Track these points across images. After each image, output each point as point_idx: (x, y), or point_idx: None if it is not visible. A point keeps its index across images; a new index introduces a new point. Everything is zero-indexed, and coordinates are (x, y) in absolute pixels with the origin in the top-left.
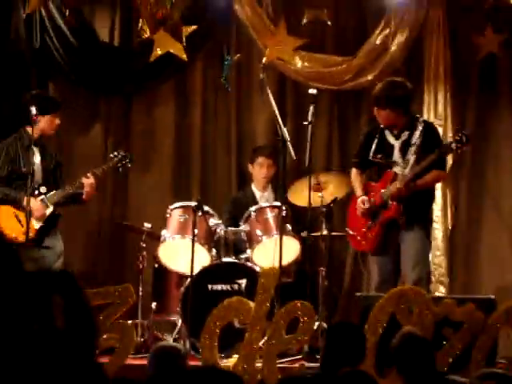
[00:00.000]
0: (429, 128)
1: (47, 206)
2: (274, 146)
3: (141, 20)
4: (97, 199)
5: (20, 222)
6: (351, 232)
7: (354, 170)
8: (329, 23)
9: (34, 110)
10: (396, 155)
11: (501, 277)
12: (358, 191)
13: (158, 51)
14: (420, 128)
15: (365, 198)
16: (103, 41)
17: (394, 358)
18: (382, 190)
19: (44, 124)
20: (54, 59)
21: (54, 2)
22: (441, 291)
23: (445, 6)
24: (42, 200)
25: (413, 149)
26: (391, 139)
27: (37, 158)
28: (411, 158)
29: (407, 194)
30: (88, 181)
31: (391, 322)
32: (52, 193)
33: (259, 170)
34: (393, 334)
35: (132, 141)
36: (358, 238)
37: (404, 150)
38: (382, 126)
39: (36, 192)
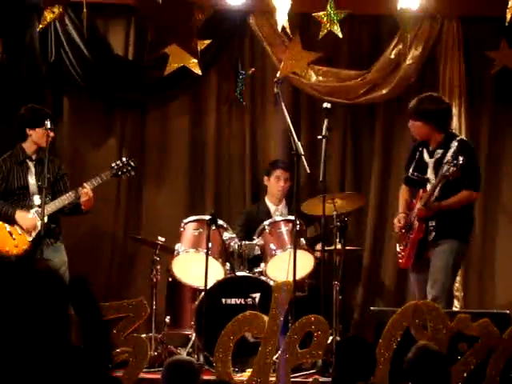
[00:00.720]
0: (463, 147)
1: (42, 219)
2: (289, 159)
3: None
4: (111, 213)
5: (11, 235)
6: (398, 251)
7: (402, 186)
8: (340, 36)
9: (48, 124)
10: (429, 173)
11: None
12: (400, 208)
13: (173, 65)
14: (454, 146)
15: (401, 215)
16: (118, 54)
17: (408, 372)
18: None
19: (35, 136)
20: (68, 73)
21: (70, 17)
22: (455, 306)
23: (459, 20)
24: (36, 212)
25: (445, 168)
26: (426, 157)
27: (31, 173)
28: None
29: (428, 214)
30: (83, 190)
31: (405, 337)
32: (47, 205)
33: (276, 182)
34: (407, 348)
35: (146, 154)
36: (399, 255)
37: (437, 169)
38: (418, 141)
39: (31, 202)
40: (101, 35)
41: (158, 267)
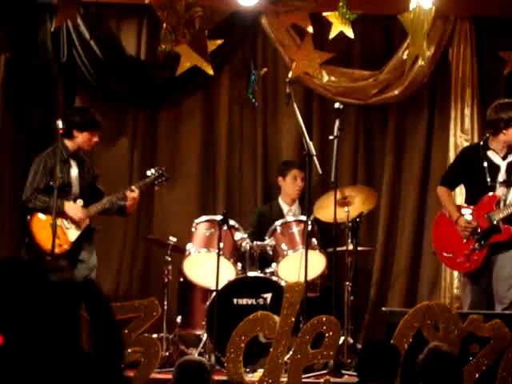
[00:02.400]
0: None
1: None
2: (300, 159)
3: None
4: None
5: (57, 235)
6: (445, 254)
7: (443, 189)
8: (352, 37)
9: (60, 124)
10: (501, 176)
11: None
12: (455, 212)
13: (185, 65)
14: None
15: (468, 218)
16: (130, 55)
17: (421, 373)
18: (490, 213)
19: (81, 140)
20: (80, 73)
21: (82, 16)
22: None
23: (472, 20)
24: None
25: None
26: (497, 159)
27: (74, 171)
28: None
29: None
30: (132, 194)
31: (417, 338)
32: (92, 205)
33: (293, 182)
34: (419, 349)
35: (158, 154)
36: (458, 260)
37: (510, 171)
38: (482, 144)
39: (75, 202)
40: (113, 35)
41: (170, 267)
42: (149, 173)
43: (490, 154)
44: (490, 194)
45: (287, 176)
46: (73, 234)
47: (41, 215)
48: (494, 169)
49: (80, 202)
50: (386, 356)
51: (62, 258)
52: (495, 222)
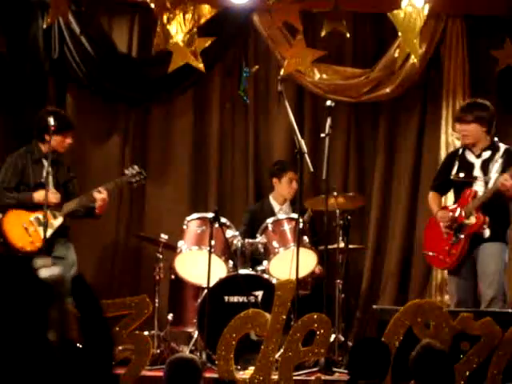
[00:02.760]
0: (510, 153)
1: (55, 218)
2: (291, 158)
3: (158, 29)
4: (114, 210)
5: (27, 231)
6: (431, 253)
7: (432, 193)
8: (347, 35)
9: (51, 120)
10: (477, 173)
11: None
12: (435, 208)
13: (176, 62)
14: (502, 150)
15: (443, 210)
16: (121, 52)
17: (412, 369)
18: (466, 205)
19: (54, 143)
20: (72, 70)
21: (73, 13)
22: None
23: (463, 18)
24: (51, 211)
25: (496, 166)
26: (471, 158)
27: (47, 172)
28: (495, 175)
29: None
30: (100, 195)
31: (408, 336)
32: (64, 204)
33: (288, 185)
34: (410, 347)
35: (149, 152)
36: (441, 257)
37: (484, 169)
38: (461, 147)
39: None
40: (104, 32)
41: (161, 265)
42: (126, 171)
43: (466, 153)
44: (468, 189)
45: (283, 178)
46: (45, 231)
47: (13, 213)
48: (468, 167)
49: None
50: (376, 354)
51: (35, 256)
52: (468, 213)
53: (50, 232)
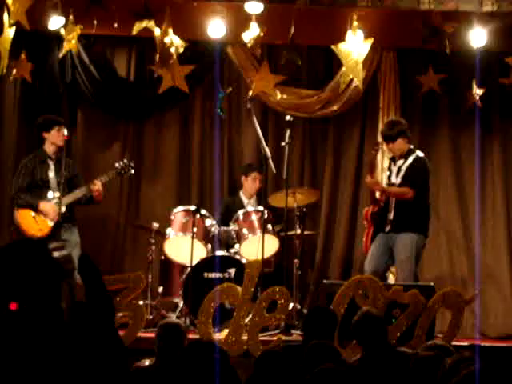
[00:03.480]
0: (417, 160)
1: (60, 208)
2: (258, 161)
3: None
4: (115, 203)
5: (35, 220)
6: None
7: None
8: (299, 63)
9: (65, 131)
10: (393, 178)
11: (439, 269)
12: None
13: (165, 85)
14: (411, 159)
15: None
16: (121, 76)
17: (354, 332)
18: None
19: (51, 138)
20: (81, 91)
21: (83, 45)
22: (391, 279)
23: (395, 51)
24: (55, 203)
25: (401, 174)
26: (392, 166)
27: (51, 170)
28: (397, 181)
29: (375, 187)
30: (94, 187)
31: (351, 304)
32: (64, 197)
33: (253, 183)
34: (352, 313)
35: (144, 157)
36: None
37: (397, 174)
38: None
39: (51, 197)
40: (108, 60)
41: (153, 248)
42: (116, 164)
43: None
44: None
45: (249, 177)
46: (51, 220)
47: (23, 211)
48: (390, 173)
49: (57, 193)
50: (325, 319)
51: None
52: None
53: (54, 221)
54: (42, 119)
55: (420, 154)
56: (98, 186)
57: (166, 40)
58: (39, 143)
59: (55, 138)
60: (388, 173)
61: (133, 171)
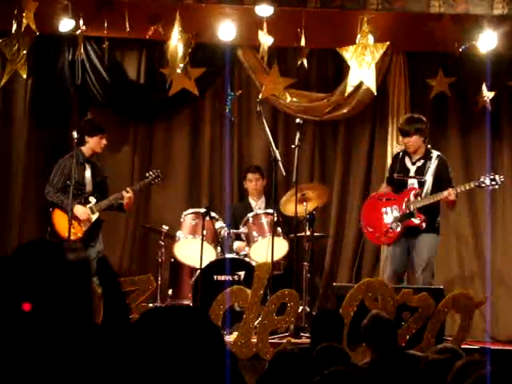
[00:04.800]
0: (441, 158)
1: (93, 213)
2: (268, 163)
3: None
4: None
5: (72, 224)
6: (370, 229)
7: (384, 184)
8: (306, 66)
9: (75, 134)
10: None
11: (448, 272)
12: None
13: (176, 87)
14: (434, 156)
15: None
16: (131, 79)
17: (364, 334)
18: (408, 201)
19: (92, 144)
20: (92, 93)
21: (93, 48)
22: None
23: (405, 54)
24: (89, 208)
25: (430, 171)
26: (408, 164)
27: (88, 173)
28: (430, 178)
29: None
30: (127, 194)
31: (361, 307)
32: (98, 202)
33: (250, 183)
34: (362, 316)
35: (153, 159)
36: (377, 234)
37: (418, 173)
38: (402, 152)
39: (88, 200)
40: (118, 63)
41: (163, 250)
42: (147, 174)
43: (405, 158)
44: (411, 186)
45: (246, 179)
46: (85, 225)
47: (60, 211)
48: (404, 170)
49: (93, 199)
50: (333, 322)
51: (77, 243)
52: (411, 209)
53: (88, 225)
54: (89, 123)
55: (439, 153)
56: (130, 193)
57: (177, 43)
58: (78, 143)
59: (95, 145)
60: (397, 169)
61: (161, 182)
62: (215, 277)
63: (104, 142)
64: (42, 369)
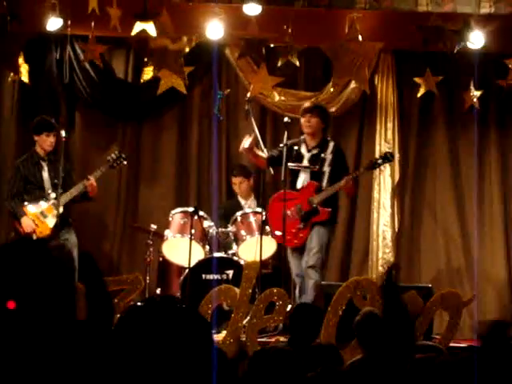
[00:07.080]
0: (338, 148)
1: (57, 209)
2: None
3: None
4: (113, 205)
5: (36, 224)
6: (278, 233)
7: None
8: (297, 64)
9: (63, 133)
10: (305, 163)
11: (436, 270)
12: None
13: (164, 86)
14: (331, 147)
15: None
16: (119, 77)
17: (356, 331)
18: (310, 198)
19: (40, 141)
20: (79, 92)
21: (81, 47)
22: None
23: (392, 53)
24: (52, 204)
25: (327, 162)
26: (304, 151)
27: (45, 171)
28: (327, 169)
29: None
30: (88, 182)
31: (349, 305)
32: (61, 197)
33: (234, 186)
34: (350, 315)
35: (142, 158)
36: (288, 237)
37: (312, 161)
38: (303, 136)
39: (48, 197)
40: (106, 61)
41: (151, 249)
42: (108, 158)
43: (302, 146)
44: (311, 181)
45: (232, 182)
46: (50, 222)
47: (27, 208)
48: (299, 157)
49: (53, 195)
50: (310, 315)
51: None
52: (315, 205)
53: (53, 221)
54: (35, 122)
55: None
56: (92, 181)
57: (164, 41)
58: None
59: (42, 143)
60: (284, 157)
61: (125, 162)
62: (204, 276)
63: (51, 139)
64: (27, 366)
